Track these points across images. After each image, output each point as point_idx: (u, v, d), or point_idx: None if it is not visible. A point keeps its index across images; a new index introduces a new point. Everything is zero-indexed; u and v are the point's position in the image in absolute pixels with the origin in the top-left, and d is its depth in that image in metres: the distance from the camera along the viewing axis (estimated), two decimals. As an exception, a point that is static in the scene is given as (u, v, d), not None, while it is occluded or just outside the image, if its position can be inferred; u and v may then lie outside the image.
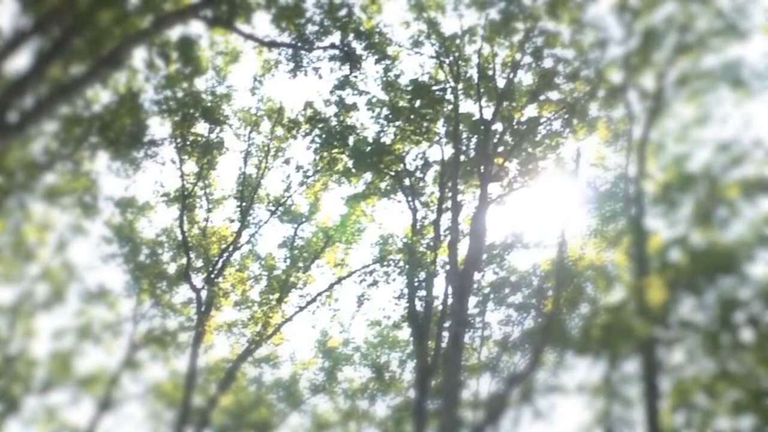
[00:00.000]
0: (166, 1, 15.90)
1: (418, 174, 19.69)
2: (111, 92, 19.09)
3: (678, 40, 18.27)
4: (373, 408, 26.68)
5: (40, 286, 22.62)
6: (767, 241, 17.68)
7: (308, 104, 20.11)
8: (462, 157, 19.00)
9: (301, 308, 21.47)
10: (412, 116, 19.28)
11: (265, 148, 21.43)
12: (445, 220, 19.27)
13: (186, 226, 21.01)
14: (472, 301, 20.65)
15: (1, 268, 21.74)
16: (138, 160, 20.19)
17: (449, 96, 19.41)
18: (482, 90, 19.14)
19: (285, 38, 19.02)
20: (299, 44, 18.91)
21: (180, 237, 20.95)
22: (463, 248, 17.89)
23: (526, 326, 21.57)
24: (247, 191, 21.33)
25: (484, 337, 22.01)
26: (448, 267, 18.07)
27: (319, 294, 21.54)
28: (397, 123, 19.37)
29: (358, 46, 19.13)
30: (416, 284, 19.16)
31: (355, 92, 19.33)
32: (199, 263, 21.41)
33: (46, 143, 18.77)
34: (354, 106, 19.40)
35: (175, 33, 18.24)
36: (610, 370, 19.64)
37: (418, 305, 18.89)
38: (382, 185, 20.15)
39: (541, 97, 19.23)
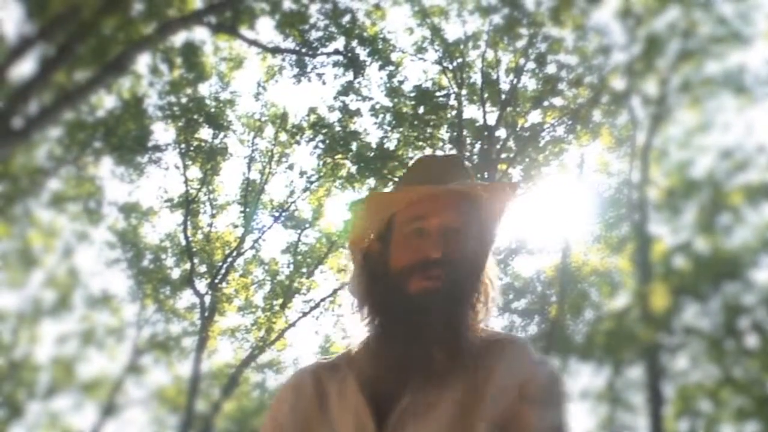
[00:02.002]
0: (170, 7, 15.95)
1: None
2: (115, 98, 19.14)
3: (681, 47, 18.28)
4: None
5: (45, 292, 22.67)
6: (771, 247, 17.66)
7: (312, 110, 20.12)
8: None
9: (305, 314, 21.41)
10: (415, 122, 19.28)
11: (269, 154, 21.42)
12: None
13: (190, 232, 21.00)
14: (476, 307, 20.59)
15: (6, 275, 21.78)
16: (142, 165, 20.22)
17: (453, 102, 19.42)
18: (486, 96, 19.16)
19: (289, 44, 19.07)
20: (303, 50, 18.94)
21: (184, 242, 20.95)
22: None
23: (530, 332, 21.53)
24: (251, 197, 21.33)
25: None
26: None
27: (323, 299, 21.47)
28: (400, 129, 19.37)
29: (361, 52, 19.15)
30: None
31: (359, 98, 19.33)
32: (203, 268, 21.41)
33: (50, 149, 18.82)
34: (357, 112, 19.41)
35: (179, 39, 18.29)
36: (613, 376, 19.61)
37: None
38: (386, 191, 20.14)
39: (545, 103, 19.24)
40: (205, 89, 20.19)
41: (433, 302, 1.58)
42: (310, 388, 1.72)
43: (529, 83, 19.66)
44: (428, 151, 19.56)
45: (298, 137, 20.71)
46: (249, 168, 21.34)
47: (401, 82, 19.41)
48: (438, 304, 1.58)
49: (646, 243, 17.81)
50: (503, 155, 19.04)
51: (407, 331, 1.58)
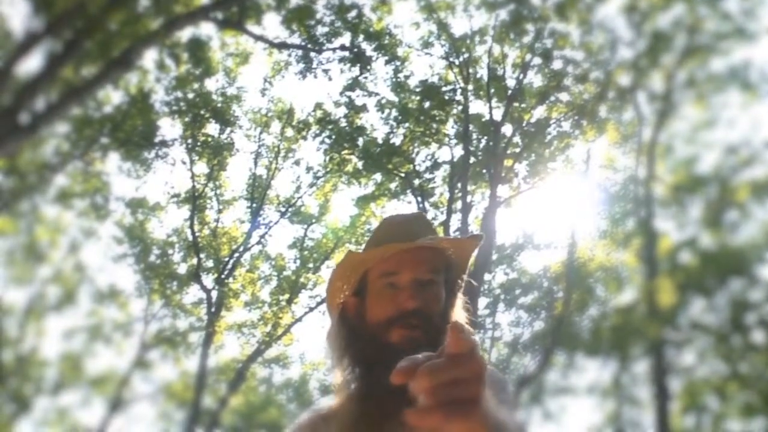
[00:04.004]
0: (176, 2, 15.97)
1: (428, 175, 19.67)
2: (122, 93, 19.18)
3: (686, 43, 18.27)
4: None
5: (51, 287, 22.72)
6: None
7: (318, 105, 20.14)
8: (471, 159, 19.01)
9: (311, 309, 21.46)
10: (421, 117, 19.28)
11: (276, 149, 21.45)
12: (455, 221, 19.23)
13: (196, 227, 21.03)
14: (483, 302, 20.63)
15: (13, 270, 21.85)
16: (149, 160, 20.25)
17: (459, 97, 19.42)
18: (492, 91, 19.15)
19: (295, 39, 19.08)
20: (309, 45, 18.96)
21: (190, 237, 20.99)
22: (472, 249, 17.86)
23: (537, 328, 21.57)
24: (258, 192, 21.36)
25: (495, 339, 22.00)
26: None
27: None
28: (406, 124, 19.38)
29: (367, 48, 19.16)
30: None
31: (365, 93, 19.34)
32: (210, 264, 21.45)
33: (57, 145, 18.86)
34: (364, 108, 19.42)
35: (185, 34, 18.32)
36: (620, 372, 19.64)
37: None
38: (392, 186, 20.15)
39: (551, 99, 19.23)
40: (211, 85, 20.27)
41: (417, 349, 1.65)
42: None
43: (535, 79, 19.68)
44: (433, 147, 19.59)
45: (304, 133, 20.74)
46: (255, 163, 21.39)
47: (407, 78, 19.43)
48: (422, 350, 1.66)
49: (652, 239, 17.81)
50: (509, 150, 19.04)
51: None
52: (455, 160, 19.27)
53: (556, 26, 18.91)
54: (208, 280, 21.18)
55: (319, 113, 20.09)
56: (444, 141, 19.50)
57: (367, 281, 1.79)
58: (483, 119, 19.23)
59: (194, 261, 21.03)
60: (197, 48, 18.93)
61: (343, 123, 19.61)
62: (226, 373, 22.20)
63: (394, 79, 19.32)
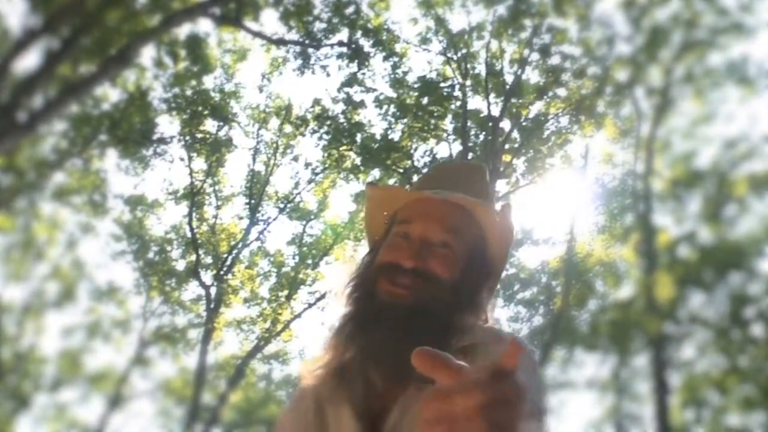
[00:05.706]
0: (174, -1, 15.96)
1: (426, 171, 19.66)
2: (120, 90, 19.17)
3: (684, 38, 18.27)
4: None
5: (49, 284, 22.71)
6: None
7: (316, 101, 20.12)
8: (470, 154, 19.00)
9: (311, 305, 21.46)
10: (419, 113, 19.27)
11: (274, 145, 21.44)
12: (454, 216, 19.21)
13: (195, 224, 21.04)
14: (481, 297, 20.58)
15: (11, 267, 21.84)
16: (147, 157, 20.25)
17: (457, 92, 19.41)
18: (490, 86, 19.14)
19: (293, 36, 19.07)
20: (307, 42, 18.94)
21: (189, 234, 20.99)
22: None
23: (536, 323, 21.56)
24: (256, 188, 21.35)
25: (493, 334, 21.95)
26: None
27: (328, 291, 21.46)
28: (404, 120, 19.37)
29: (365, 44, 19.15)
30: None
31: (363, 89, 19.33)
32: (209, 260, 21.44)
33: (55, 142, 18.85)
34: (362, 104, 19.40)
35: (183, 31, 18.30)
36: (619, 366, 19.65)
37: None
38: (391, 182, 20.15)
39: (549, 94, 19.22)
40: (209, 81, 20.21)
41: (395, 311, 1.50)
42: (311, 415, 1.67)
43: (533, 74, 19.68)
44: (432, 143, 19.58)
45: (302, 129, 20.72)
46: (254, 159, 21.39)
47: (405, 73, 19.42)
48: (400, 314, 1.49)
49: (650, 233, 17.82)
50: (507, 146, 19.03)
51: (368, 334, 1.52)
52: (454, 155, 19.27)
53: (554, 22, 18.93)
54: (207, 276, 21.20)
55: (317, 109, 20.08)
56: (442, 136, 19.49)
57: (394, 221, 1.66)
58: (481, 115, 19.23)
59: (193, 257, 21.02)
60: (195, 45, 18.91)
61: (342, 119, 19.61)
62: (225, 369, 22.20)
63: (392, 75, 19.31)
